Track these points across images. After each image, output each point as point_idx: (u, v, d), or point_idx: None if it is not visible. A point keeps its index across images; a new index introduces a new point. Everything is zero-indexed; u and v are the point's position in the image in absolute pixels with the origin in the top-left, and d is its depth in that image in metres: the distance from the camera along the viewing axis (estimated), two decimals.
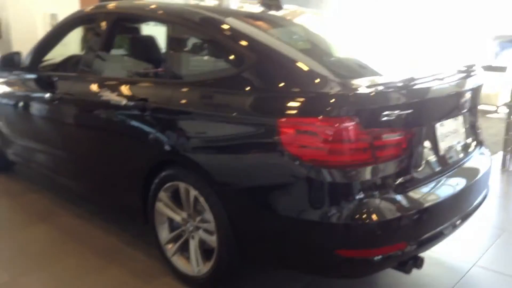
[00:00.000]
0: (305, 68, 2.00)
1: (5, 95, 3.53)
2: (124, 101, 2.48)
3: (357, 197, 1.84)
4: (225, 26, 2.29)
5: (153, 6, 2.72)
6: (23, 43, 4.80)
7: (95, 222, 3.09)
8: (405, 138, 1.96)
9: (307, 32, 2.83)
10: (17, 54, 3.45)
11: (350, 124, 1.80)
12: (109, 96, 2.58)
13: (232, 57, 2.22)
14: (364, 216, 1.83)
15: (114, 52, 3.10)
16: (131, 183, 2.58)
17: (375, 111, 1.86)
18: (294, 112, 1.88)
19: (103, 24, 2.88)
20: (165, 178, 2.34)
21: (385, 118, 1.86)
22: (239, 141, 2.02)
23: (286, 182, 1.92)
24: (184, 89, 2.29)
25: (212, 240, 2.18)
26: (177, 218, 2.37)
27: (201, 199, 2.18)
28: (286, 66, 2.04)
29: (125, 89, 2.57)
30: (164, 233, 2.45)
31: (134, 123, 2.44)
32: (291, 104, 1.90)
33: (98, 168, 2.87)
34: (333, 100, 1.84)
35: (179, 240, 2.39)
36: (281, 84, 1.99)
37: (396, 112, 1.89)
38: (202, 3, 3.02)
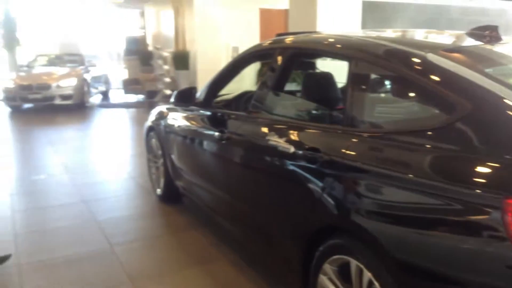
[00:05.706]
0: None
1: (179, 129, 3.56)
2: (292, 149, 2.14)
3: None
4: (424, 63, 1.78)
5: (331, 40, 2.36)
6: (207, 75, 4.97)
7: (248, 273, 2.79)
8: None
9: None
10: (194, 88, 3.46)
11: None
12: (277, 141, 2.28)
13: (436, 103, 1.70)
14: None
15: (287, 90, 2.83)
16: (290, 242, 2.21)
17: None
18: None
19: (278, 59, 2.63)
20: (332, 248, 1.89)
21: None
22: (439, 216, 1.48)
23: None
24: (367, 141, 1.85)
25: None
26: None
27: (376, 285, 1.68)
28: None
29: (294, 134, 2.24)
30: None
31: (302, 175, 2.07)
32: None
33: (256, 216, 2.59)
34: None
35: None
36: (509, 147, 1.40)
37: None
38: (383, 35, 2.54)
